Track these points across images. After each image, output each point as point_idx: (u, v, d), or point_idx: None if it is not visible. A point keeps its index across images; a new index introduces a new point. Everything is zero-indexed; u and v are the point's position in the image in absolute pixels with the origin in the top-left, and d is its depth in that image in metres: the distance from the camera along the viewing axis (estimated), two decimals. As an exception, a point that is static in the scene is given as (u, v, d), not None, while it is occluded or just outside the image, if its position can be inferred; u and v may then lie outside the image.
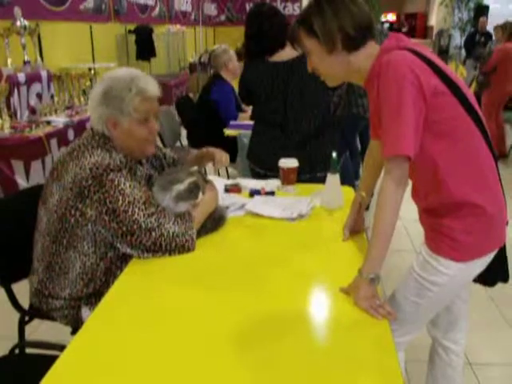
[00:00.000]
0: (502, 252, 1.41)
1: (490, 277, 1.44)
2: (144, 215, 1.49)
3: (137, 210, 1.49)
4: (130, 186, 1.51)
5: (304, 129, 2.33)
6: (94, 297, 1.59)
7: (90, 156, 1.51)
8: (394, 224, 1.27)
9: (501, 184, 1.37)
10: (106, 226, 1.49)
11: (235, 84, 3.66)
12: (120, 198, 1.48)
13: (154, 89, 1.60)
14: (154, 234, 1.49)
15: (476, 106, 1.31)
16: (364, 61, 1.32)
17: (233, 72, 3.97)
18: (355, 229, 1.64)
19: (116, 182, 1.49)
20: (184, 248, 1.53)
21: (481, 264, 1.37)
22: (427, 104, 1.23)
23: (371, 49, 1.33)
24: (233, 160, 3.82)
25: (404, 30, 14.54)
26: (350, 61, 1.33)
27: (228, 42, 4.80)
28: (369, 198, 1.68)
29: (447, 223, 1.33)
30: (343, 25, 1.27)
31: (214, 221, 1.71)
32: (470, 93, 1.32)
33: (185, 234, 1.53)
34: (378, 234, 1.27)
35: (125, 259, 1.56)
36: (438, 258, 1.35)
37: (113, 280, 1.52)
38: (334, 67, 1.35)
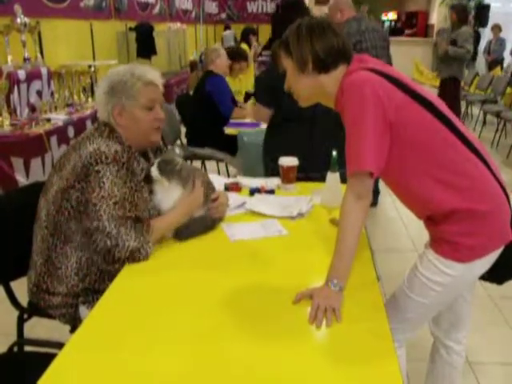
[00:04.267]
0: (510, 249, 1.39)
1: (498, 274, 1.44)
2: (109, 213, 1.45)
3: (105, 206, 1.46)
4: (111, 181, 1.48)
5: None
6: (91, 295, 1.58)
7: (90, 145, 1.52)
8: (355, 237, 1.31)
9: (498, 180, 1.37)
10: (77, 218, 1.50)
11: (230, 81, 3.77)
12: (97, 190, 1.46)
13: (154, 75, 1.62)
14: (109, 242, 1.44)
15: (446, 112, 1.35)
16: (333, 84, 1.39)
17: (221, 68, 4.06)
18: None
19: (100, 174, 1.47)
20: (134, 260, 1.48)
21: (485, 263, 1.37)
22: (393, 120, 1.28)
23: (342, 72, 1.38)
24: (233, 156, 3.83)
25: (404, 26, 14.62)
26: (321, 82, 1.40)
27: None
28: None
29: (444, 229, 1.35)
30: (315, 48, 1.36)
31: (206, 226, 1.69)
32: (439, 101, 1.38)
33: (140, 249, 1.47)
34: (340, 248, 1.32)
35: None
36: (442, 260, 1.36)
37: (108, 276, 1.52)
38: (305, 86, 1.43)
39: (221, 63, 4.05)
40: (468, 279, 1.43)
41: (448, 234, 1.35)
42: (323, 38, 1.36)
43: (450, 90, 5.60)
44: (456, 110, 5.91)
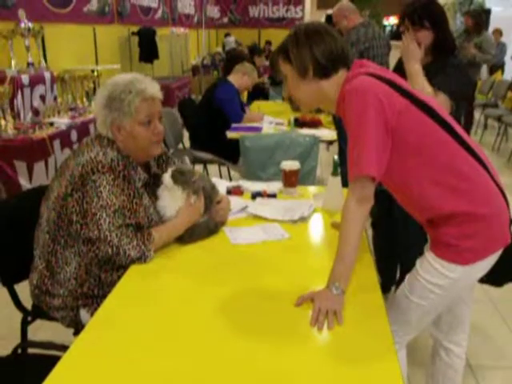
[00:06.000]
0: (509, 251, 1.40)
1: (497, 277, 1.45)
2: (109, 222, 1.46)
3: (105, 215, 1.47)
4: (109, 190, 1.49)
5: None
6: (90, 298, 1.59)
7: (87, 153, 1.53)
8: (356, 240, 1.32)
9: (497, 184, 1.38)
10: (75, 226, 1.50)
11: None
12: (95, 199, 1.48)
13: (153, 90, 1.60)
14: (110, 250, 1.46)
15: (446, 117, 1.36)
16: (334, 88, 1.39)
17: (240, 84, 4.09)
18: None
19: (97, 183, 1.48)
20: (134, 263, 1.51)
21: (485, 266, 1.38)
22: (394, 125, 1.29)
23: (342, 77, 1.39)
24: (235, 162, 3.83)
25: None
26: (321, 87, 1.40)
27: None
28: None
29: (444, 231, 1.36)
30: (315, 54, 1.36)
31: (210, 230, 1.71)
32: (439, 106, 1.39)
33: (141, 257, 1.49)
34: (341, 251, 1.33)
35: None
36: (442, 262, 1.37)
37: (107, 281, 1.54)
38: (306, 92, 1.43)
39: (243, 81, 4.09)
40: (468, 282, 1.43)
41: (448, 236, 1.35)
42: (322, 43, 1.36)
43: (472, 95, 5.68)
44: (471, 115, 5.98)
